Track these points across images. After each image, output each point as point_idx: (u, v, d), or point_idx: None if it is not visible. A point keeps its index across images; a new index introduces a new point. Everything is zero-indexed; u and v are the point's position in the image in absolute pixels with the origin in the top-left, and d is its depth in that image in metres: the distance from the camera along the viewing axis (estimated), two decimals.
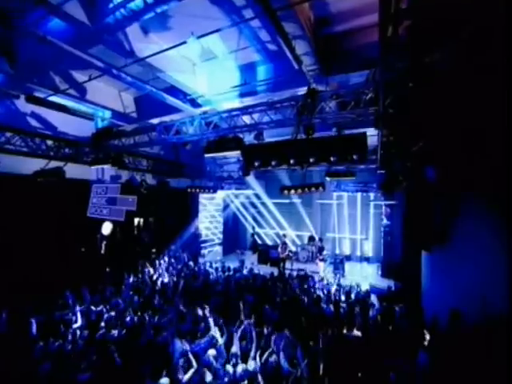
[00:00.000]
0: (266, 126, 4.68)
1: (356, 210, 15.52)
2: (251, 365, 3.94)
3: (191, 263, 10.63)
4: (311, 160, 4.13)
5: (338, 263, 11.88)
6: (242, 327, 4.95)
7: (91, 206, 8.68)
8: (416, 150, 6.01)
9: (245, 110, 4.74)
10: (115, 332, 4.55)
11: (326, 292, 7.62)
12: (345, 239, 16.08)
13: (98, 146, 6.77)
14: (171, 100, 5.62)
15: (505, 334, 4.19)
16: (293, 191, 7.95)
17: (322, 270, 12.19)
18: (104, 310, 5.32)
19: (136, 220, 13.20)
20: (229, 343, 4.95)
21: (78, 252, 10.17)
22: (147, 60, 4.66)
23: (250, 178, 13.29)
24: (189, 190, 10.88)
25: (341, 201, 15.77)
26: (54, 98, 6.05)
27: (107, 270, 8.85)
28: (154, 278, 8.58)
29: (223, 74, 6.08)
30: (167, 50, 4.11)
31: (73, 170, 7.59)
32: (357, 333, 5.64)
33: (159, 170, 11.43)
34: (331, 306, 6.69)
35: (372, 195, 14.49)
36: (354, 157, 3.78)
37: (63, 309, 5.40)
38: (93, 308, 5.59)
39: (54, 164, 7.18)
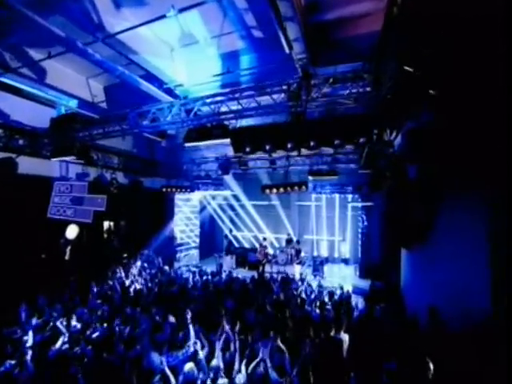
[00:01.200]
0: (254, 113, 4.30)
1: (334, 211, 15.56)
2: (239, 379, 3.51)
3: (166, 268, 9.95)
4: (312, 143, 3.78)
5: (318, 265, 11.72)
6: (224, 336, 4.50)
7: (52, 205, 7.81)
8: (400, 148, 5.96)
9: (231, 95, 4.33)
10: (78, 349, 3.92)
11: (308, 294, 7.35)
12: (322, 241, 16.06)
13: (58, 135, 5.89)
14: (146, 86, 5.09)
15: (486, 331, 4.16)
16: (274, 190, 7.66)
17: (298, 273, 11.97)
18: (64, 322, 4.62)
19: (106, 223, 12.29)
20: (210, 355, 4.51)
21: (38, 258, 9.18)
22: (120, 39, 4.14)
23: (229, 178, 12.86)
24: (164, 189, 10.24)
25: (319, 202, 15.74)
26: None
27: (71, 278, 7.97)
28: (127, 284, 7.86)
29: (204, 62, 5.65)
30: (143, 24, 3.64)
31: (31, 165, 6.76)
32: (344, 335, 5.39)
33: (132, 168, 10.68)
34: (317, 309, 6.42)
35: (350, 197, 14.59)
36: (361, 139, 3.48)
37: (13, 325, 4.61)
38: (52, 321, 4.87)
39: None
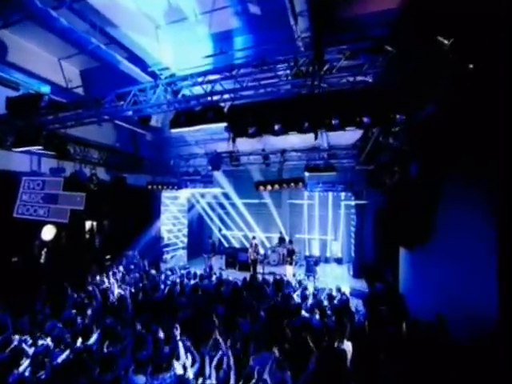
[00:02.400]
0: (253, 93, 3.71)
1: (327, 210, 15.19)
2: None
3: (153, 271, 9.26)
4: (334, 122, 3.14)
5: (312, 265, 11.29)
6: (220, 353, 3.94)
7: (20, 204, 7.00)
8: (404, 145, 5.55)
9: (227, 73, 3.71)
10: (43, 373, 3.28)
11: (305, 297, 6.86)
12: (314, 240, 15.68)
13: (19, 120, 4.99)
14: (127, 67, 4.45)
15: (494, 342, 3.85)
16: (269, 187, 7.15)
17: (291, 274, 11.52)
18: (30, 340, 3.94)
19: (88, 223, 11.48)
20: (201, 370, 3.96)
21: (8, 263, 8.35)
22: (93, 5, 3.48)
23: (219, 175, 12.23)
24: (149, 186, 9.54)
25: (312, 201, 15.34)
26: None
27: (43, 285, 7.20)
28: (111, 289, 7.14)
29: (193, 43, 5.04)
30: None
31: None
32: (347, 343, 4.93)
33: (114, 164, 9.91)
34: (316, 315, 5.93)
35: (343, 195, 14.25)
36: (397, 116, 2.88)
37: None
38: (17, 337, 4.18)
39: None
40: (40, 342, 3.89)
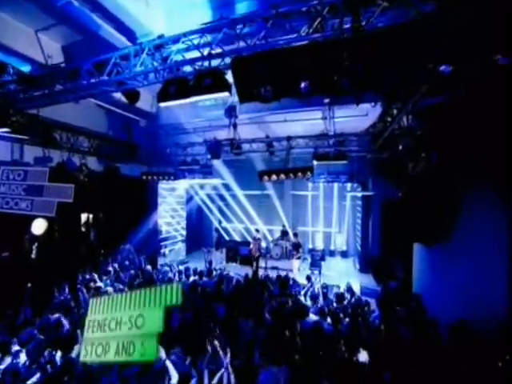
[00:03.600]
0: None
1: (331, 201, 14.58)
2: None
3: (149, 267, 8.69)
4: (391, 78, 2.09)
5: (317, 260, 10.74)
6: (221, 372, 3.38)
7: None
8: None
9: (229, 29, 2.95)
10: None
11: (314, 297, 6.28)
12: (318, 233, 15.13)
13: None
14: (110, 33, 3.76)
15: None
16: (274, 177, 6.51)
17: (297, 269, 11.00)
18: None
19: (83, 216, 10.89)
20: None
21: None
22: None
23: (219, 165, 11.59)
24: (144, 176, 8.89)
25: (316, 192, 14.70)
26: None
27: (27, 284, 6.63)
28: (101, 289, 6.59)
29: (188, 8, 4.32)
30: None
31: None
32: (363, 354, 4.38)
33: (106, 153, 9.24)
34: (327, 318, 5.37)
35: (349, 186, 13.62)
36: (443, 67, 2.06)
37: None
38: None
39: None
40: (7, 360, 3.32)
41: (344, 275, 11.19)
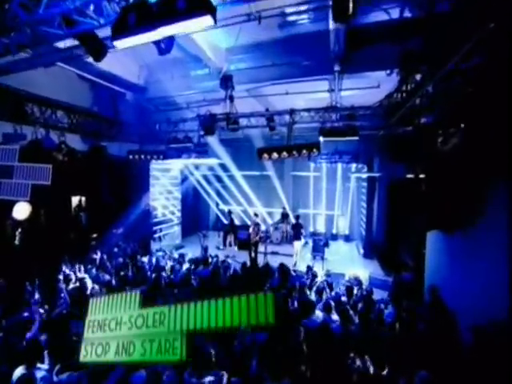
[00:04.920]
0: None
1: (334, 183, 13.82)
2: None
3: (144, 259, 8.01)
4: None
5: (320, 246, 10.14)
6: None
7: None
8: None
9: None
10: None
11: (320, 289, 5.64)
12: (320, 216, 14.49)
13: None
14: None
15: None
16: (275, 155, 5.72)
17: (299, 251, 10.45)
18: None
19: (75, 199, 10.18)
20: None
21: None
22: None
23: (215, 144, 10.71)
24: (130, 156, 8.05)
25: (318, 173, 13.91)
26: None
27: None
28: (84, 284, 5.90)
29: None
30: None
31: None
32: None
33: (91, 131, 8.34)
34: (333, 315, 4.75)
35: (354, 167, 12.81)
36: None
37: None
38: None
39: None
40: None
41: (347, 260, 10.65)
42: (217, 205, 15.40)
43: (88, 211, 10.36)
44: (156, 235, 11.39)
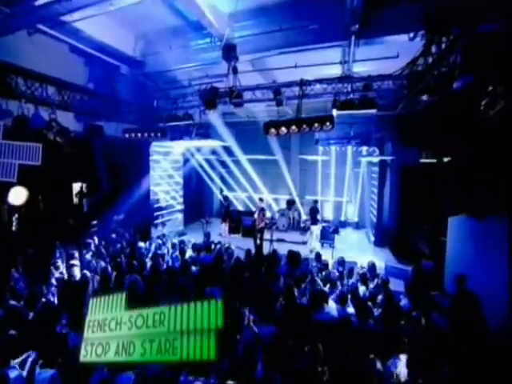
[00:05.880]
0: None
1: (343, 168, 13.15)
2: None
3: (141, 244, 7.54)
4: None
5: (329, 233, 9.61)
6: None
7: None
8: None
9: None
10: None
11: (332, 281, 5.10)
12: (328, 203, 13.90)
13: None
14: None
15: None
16: (283, 129, 5.10)
17: (315, 238, 10.04)
18: None
19: (77, 185, 9.78)
20: None
21: None
22: None
23: (218, 124, 10.08)
24: (126, 135, 7.49)
25: (327, 157, 13.21)
26: None
27: None
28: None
29: None
30: None
31: None
32: (402, 357, 3.25)
33: (84, 109, 7.76)
34: (348, 307, 4.24)
35: (364, 150, 12.09)
36: None
37: None
38: None
39: None
40: None
41: (357, 249, 10.12)
42: (221, 191, 14.89)
43: (89, 197, 9.97)
44: (157, 221, 10.95)
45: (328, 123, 4.88)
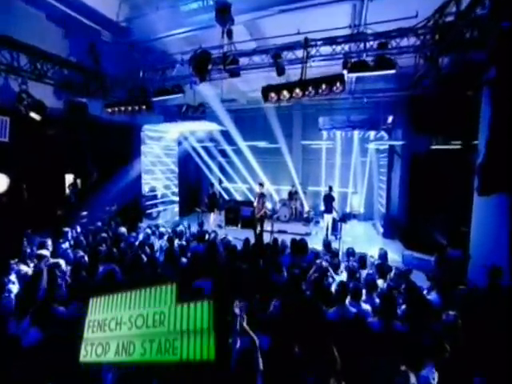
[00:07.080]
0: None
1: (349, 156, 12.32)
2: None
3: (123, 229, 6.78)
4: None
5: (337, 223, 8.86)
6: None
7: None
8: None
9: None
10: None
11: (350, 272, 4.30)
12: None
13: None
14: None
15: None
16: (285, 93, 4.29)
17: (330, 226, 9.56)
18: None
19: (69, 176, 9.07)
20: None
21: None
22: None
23: (213, 101, 9.23)
24: (108, 109, 6.68)
25: (332, 142, 12.34)
26: None
27: None
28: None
29: None
30: None
31: None
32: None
33: (61, 80, 6.90)
34: (363, 305, 3.46)
35: (372, 135, 11.27)
36: None
37: None
38: None
39: None
40: None
41: (366, 241, 9.34)
42: (220, 182, 14.12)
43: (78, 187, 9.23)
44: (149, 211, 10.20)
45: (338, 83, 4.06)
